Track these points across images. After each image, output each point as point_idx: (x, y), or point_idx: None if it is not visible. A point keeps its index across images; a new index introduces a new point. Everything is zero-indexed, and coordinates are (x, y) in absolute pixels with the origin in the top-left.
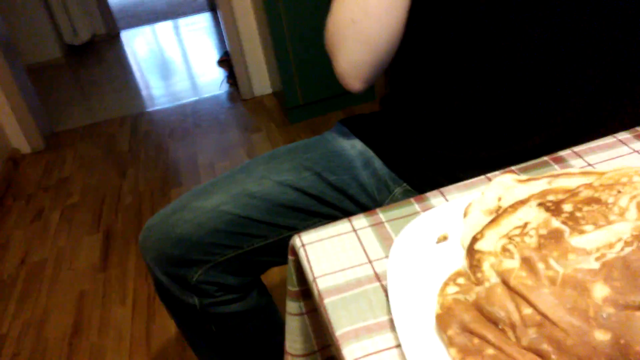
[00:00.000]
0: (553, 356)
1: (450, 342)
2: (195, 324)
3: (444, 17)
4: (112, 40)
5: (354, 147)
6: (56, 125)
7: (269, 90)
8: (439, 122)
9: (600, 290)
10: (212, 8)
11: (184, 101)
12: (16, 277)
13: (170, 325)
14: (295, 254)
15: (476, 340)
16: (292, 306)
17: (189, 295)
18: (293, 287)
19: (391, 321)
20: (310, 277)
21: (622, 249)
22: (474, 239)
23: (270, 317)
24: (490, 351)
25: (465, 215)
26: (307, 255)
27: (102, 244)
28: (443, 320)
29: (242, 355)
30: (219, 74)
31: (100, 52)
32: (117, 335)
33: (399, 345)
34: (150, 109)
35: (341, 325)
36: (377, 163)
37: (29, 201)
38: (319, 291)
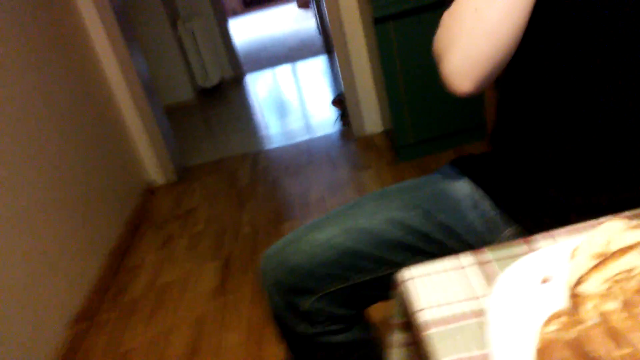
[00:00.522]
0: None
1: None
2: (304, 351)
3: (564, 44)
4: (237, 83)
5: (463, 187)
6: (187, 161)
7: (380, 129)
8: (551, 163)
9: None
10: (329, 51)
11: (299, 139)
12: (147, 297)
13: (280, 353)
14: (401, 286)
15: None
16: (396, 337)
17: (300, 322)
18: (398, 319)
19: (487, 356)
20: (413, 308)
21: None
22: (579, 281)
23: (373, 349)
24: None
25: (571, 257)
26: (413, 288)
27: (221, 270)
28: (542, 355)
29: None
30: (332, 113)
31: (227, 94)
32: (231, 357)
33: None
34: (268, 147)
35: (443, 355)
36: (487, 204)
37: (161, 228)
38: (422, 322)
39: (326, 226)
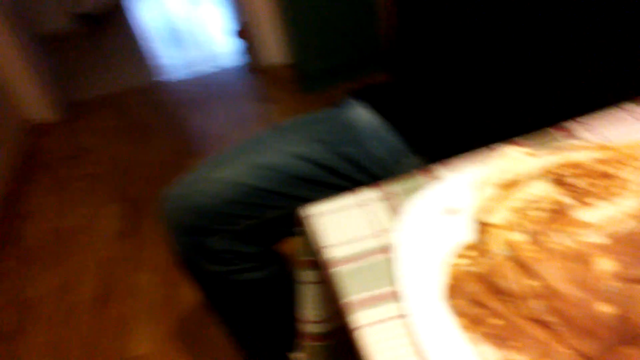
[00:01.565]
0: (557, 327)
1: (459, 312)
2: (217, 291)
3: None
4: (125, 8)
5: (364, 118)
6: (75, 95)
7: (284, 61)
8: (451, 92)
9: (607, 264)
10: None
11: (199, 71)
12: (45, 244)
13: (190, 294)
14: (303, 224)
15: (484, 311)
16: (301, 275)
17: (209, 263)
18: (301, 257)
19: (397, 292)
20: (315, 247)
21: (631, 224)
22: (486, 212)
23: (288, 285)
24: (497, 321)
25: (477, 188)
26: (314, 225)
27: (125, 211)
28: (453, 291)
29: (261, 322)
30: (234, 44)
31: (115, 21)
32: (142, 299)
33: (403, 315)
34: (165, 79)
35: (346, 293)
36: (390, 133)
37: (55, 170)
38: (324, 260)
39: (228, 163)
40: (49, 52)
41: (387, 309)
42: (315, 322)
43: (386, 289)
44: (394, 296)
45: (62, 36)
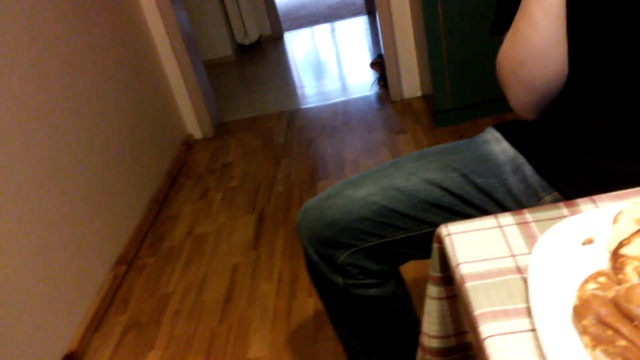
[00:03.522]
0: None
1: (584, 331)
2: (337, 302)
3: (603, 25)
4: (276, 41)
5: (504, 152)
6: (224, 116)
7: (418, 93)
8: (595, 131)
9: None
10: (369, 11)
11: (335, 100)
12: (183, 246)
13: (309, 304)
14: (441, 241)
15: (610, 332)
16: (432, 290)
17: (334, 274)
18: (435, 273)
19: (528, 309)
20: (453, 262)
21: None
22: (620, 244)
23: (404, 306)
24: (622, 343)
25: (614, 221)
26: (452, 243)
27: (255, 224)
28: (580, 311)
29: (376, 337)
30: (371, 76)
31: (265, 52)
32: (262, 306)
33: (533, 330)
34: (304, 106)
35: (480, 306)
36: (528, 170)
37: (198, 181)
38: (461, 275)
39: (364, 184)
40: (210, 77)
41: (518, 323)
42: (438, 337)
43: (518, 306)
44: (525, 312)
45: (222, 63)
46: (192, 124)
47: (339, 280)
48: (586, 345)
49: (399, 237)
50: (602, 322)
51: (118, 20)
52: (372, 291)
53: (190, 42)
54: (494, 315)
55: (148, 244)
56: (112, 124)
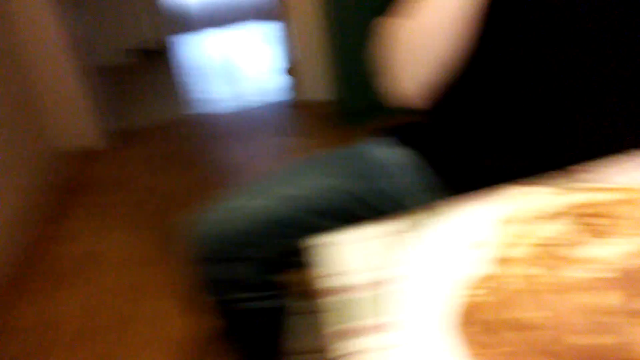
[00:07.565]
0: (562, 357)
1: (469, 339)
2: (233, 318)
3: (505, 32)
4: (180, 45)
5: (399, 154)
6: (124, 124)
7: (325, 97)
8: (482, 128)
9: (615, 298)
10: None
11: (244, 105)
12: (76, 266)
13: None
14: (307, 254)
15: (495, 339)
16: (297, 305)
17: (231, 290)
18: (300, 287)
19: (390, 323)
20: (312, 276)
21: None
22: (507, 247)
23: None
24: (506, 349)
25: (500, 223)
26: (317, 256)
27: (157, 239)
28: (466, 318)
29: (265, 350)
30: (281, 80)
31: (169, 56)
32: (166, 324)
33: (396, 345)
34: (209, 112)
35: (333, 323)
36: (424, 171)
37: (96, 195)
38: (320, 290)
39: (262, 194)
40: (101, 83)
41: (377, 340)
42: (304, 352)
43: (376, 321)
44: (384, 328)
45: (116, 69)
46: (85, 134)
47: (237, 295)
48: (471, 354)
49: (294, 246)
50: (489, 329)
51: None
52: (265, 303)
53: (74, 48)
54: (348, 333)
55: (36, 267)
56: None
